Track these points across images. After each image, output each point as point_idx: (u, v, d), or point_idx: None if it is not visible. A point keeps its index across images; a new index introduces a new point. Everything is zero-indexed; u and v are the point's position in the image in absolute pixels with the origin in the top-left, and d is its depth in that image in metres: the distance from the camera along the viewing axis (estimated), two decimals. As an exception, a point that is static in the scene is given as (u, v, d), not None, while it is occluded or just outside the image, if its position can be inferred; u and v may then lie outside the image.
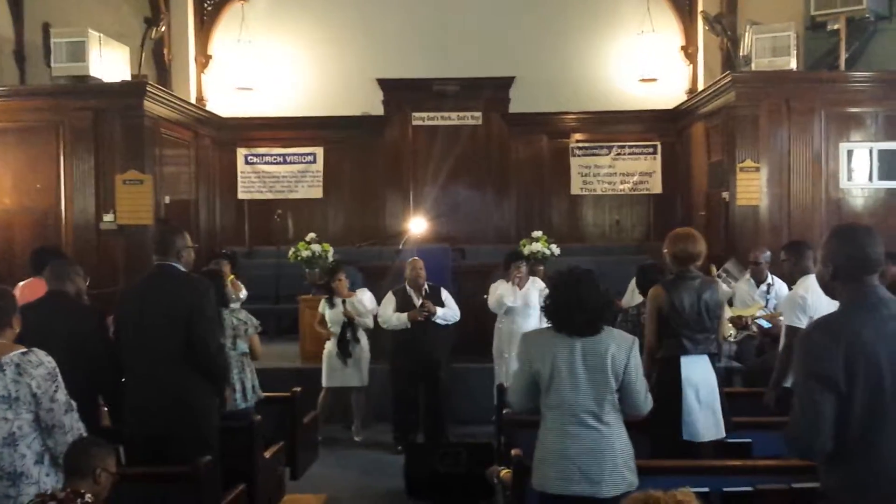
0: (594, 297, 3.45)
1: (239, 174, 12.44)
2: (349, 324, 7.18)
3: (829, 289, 2.80)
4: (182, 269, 4.28)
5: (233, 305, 5.70)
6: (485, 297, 7.54)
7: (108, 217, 9.71)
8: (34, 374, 3.30)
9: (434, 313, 6.92)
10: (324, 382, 7.28)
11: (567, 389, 3.40)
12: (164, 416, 4.05)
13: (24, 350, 3.37)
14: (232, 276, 6.66)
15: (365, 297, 7.40)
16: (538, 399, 3.52)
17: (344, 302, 7.22)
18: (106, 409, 4.71)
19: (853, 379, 2.55)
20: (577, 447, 3.39)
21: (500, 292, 7.20)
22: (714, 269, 9.16)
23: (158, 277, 4.27)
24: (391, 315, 7.01)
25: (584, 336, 3.41)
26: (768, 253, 7.41)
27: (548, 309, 3.55)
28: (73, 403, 3.45)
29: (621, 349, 3.43)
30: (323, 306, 7.39)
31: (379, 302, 7.30)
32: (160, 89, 10.49)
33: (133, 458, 4.15)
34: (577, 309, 3.41)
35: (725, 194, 10.18)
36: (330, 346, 7.30)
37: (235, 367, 5.18)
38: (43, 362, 3.35)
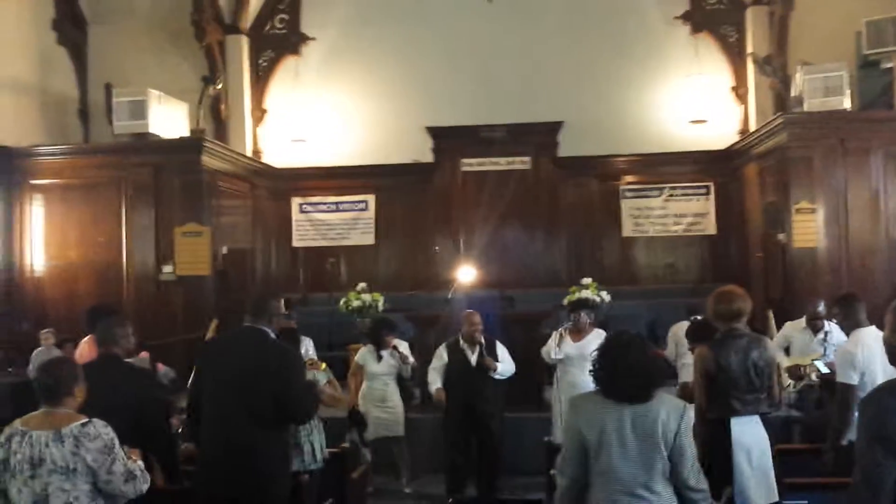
0: (643, 362, 3.36)
1: (294, 222, 12.72)
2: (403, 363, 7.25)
3: None
4: (272, 334, 4.30)
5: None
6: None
7: (167, 268, 10.01)
8: (90, 448, 3.34)
9: (495, 370, 6.89)
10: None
11: (616, 457, 3.28)
12: (236, 476, 4.06)
13: (85, 421, 3.40)
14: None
15: (402, 346, 7.42)
16: (588, 469, 3.41)
17: (395, 348, 7.27)
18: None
19: None
20: None
21: (548, 344, 7.13)
22: (772, 315, 8.97)
23: (248, 340, 4.27)
24: (431, 373, 7.03)
25: (633, 403, 3.32)
26: (822, 303, 7.21)
27: (596, 374, 3.48)
28: (136, 470, 3.47)
29: (672, 416, 3.31)
30: (364, 357, 7.39)
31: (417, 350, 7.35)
32: (217, 144, 10.84)
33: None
34: (625, 375, 3.33)
35: (782, 236, 10.01)
36: (363, 399, 7.30)
37: (304, 429, 5.21)
38: (100, 434, 3.38)
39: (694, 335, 5.45)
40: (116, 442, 3.42)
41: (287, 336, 5.07)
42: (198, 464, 4.32)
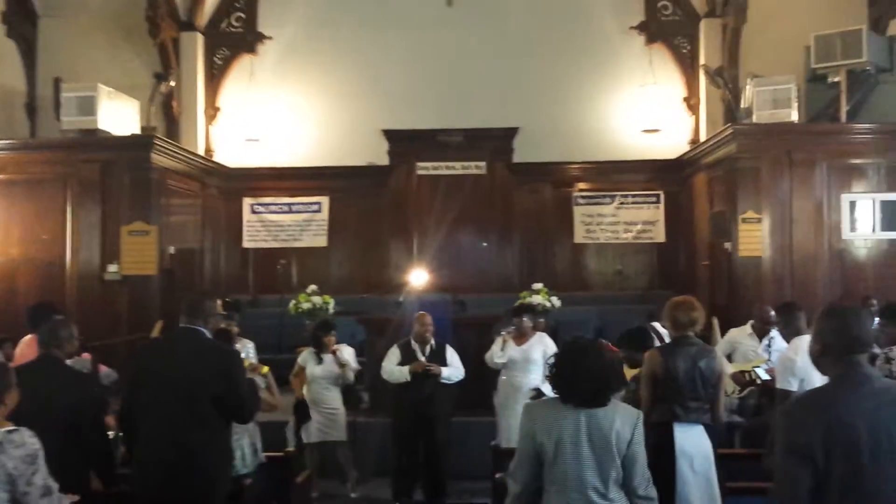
0: (601, 366, 3.38)
1: (245, 223, 12.57)
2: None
3: (819, 364, 2.90)
4: (209, 335, 4.29)
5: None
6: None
7: (112, 268, 9.79)
8: (13, 455, 3.21)
9: (439, 375, 6.88)
10: (303, 438, 7.23)
11: (571, 464, 3.30)
12: (178, 478, 4.02)
13: (11, 429, 3.28)
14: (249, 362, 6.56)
15: (346, 352, 7.38)
16: (541, 475, 3.41)
17: (334, 353, 7.22)
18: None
19: (830, 453, 2.60)
20: None
21: (492, 349, 7.18)
22: (717, 322, 9.11)
23: (184, 341, 4.26)
24: (394, 368, 6.99)
25: (591, 407, 3.34)
26: (772, 309, 7.34)
27: (553, 379, 3.49)
28: (54, 487, 3.36)
29: (626, 424, 3.34)
30: (305, 359, 7.33)
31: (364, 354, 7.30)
32: (168, 142, 10.67)
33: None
34: (583, 379, 3.34)
35: (728, 245, 10.17)
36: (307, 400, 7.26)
37: (235, 434, 5.15)
38: (25, 443, 3.25)
39: (627, 342, 5.47)
40: (41, 454, 3.31)
41: (221, 338, 5.00)
42: (136, 466, 4.25)
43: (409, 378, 6.87)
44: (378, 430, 7.69)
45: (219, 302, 4.53)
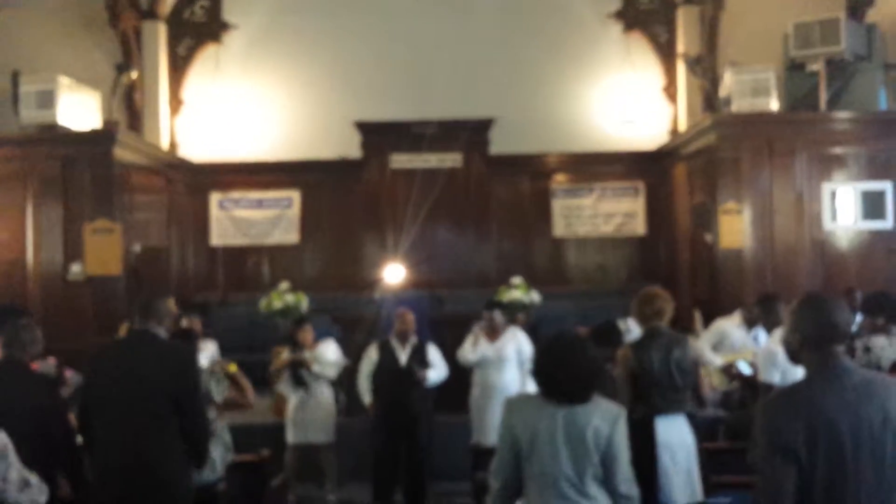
0: (584, 363, 3.36)
1: (213, 220, 12.21)
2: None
3: (795, 356, 2.84)
4: (163, 335, 4.25)
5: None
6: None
7: (75, 268, 9.44)
8: None
9: (426, 379, 6.70)
10: (288, 439, 7.00)
11: (547, 459, 3.27)
12: (137, 483, 3.97)
13: None
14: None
15: (329, 349, 7.15)
16: (521, 472, 3.36)
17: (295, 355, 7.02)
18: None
19: (814, 450, 2.58)
20: None
21: (463, 347, 7.00)
22: (699, 315, 8.99)
23: (138, 343, 4.23)
24: (362, 380, 6.86)
25: (573, 403, 3.30)
26: None
27: (535, 374, 3.47)
28: (31, 479, 3.34)
29: (605, 421, 3.30)
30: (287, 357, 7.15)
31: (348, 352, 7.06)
32: (131, 136, 10.33)
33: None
34: (566, 375, 3.31)
35: (709, 236, 10.05)
36: (294, 402, 7.03)
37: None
38: None
39: (597, 338, 5.40)
40: (11, 449, 3.28)
41: (184, 336, 4.85)
42: (94, 473, 4.19)
43: (369, 400, 6.77)
44: (355, 431, 7.48)
45: (172, 301, 4.41)
